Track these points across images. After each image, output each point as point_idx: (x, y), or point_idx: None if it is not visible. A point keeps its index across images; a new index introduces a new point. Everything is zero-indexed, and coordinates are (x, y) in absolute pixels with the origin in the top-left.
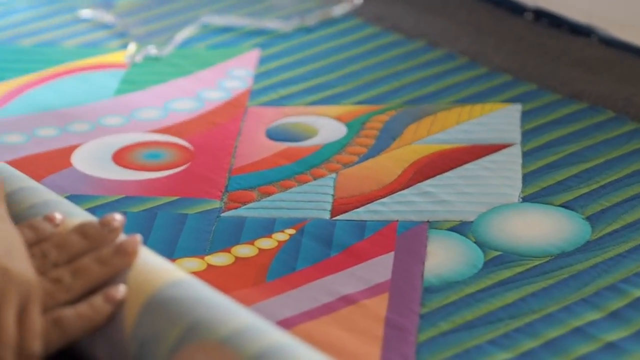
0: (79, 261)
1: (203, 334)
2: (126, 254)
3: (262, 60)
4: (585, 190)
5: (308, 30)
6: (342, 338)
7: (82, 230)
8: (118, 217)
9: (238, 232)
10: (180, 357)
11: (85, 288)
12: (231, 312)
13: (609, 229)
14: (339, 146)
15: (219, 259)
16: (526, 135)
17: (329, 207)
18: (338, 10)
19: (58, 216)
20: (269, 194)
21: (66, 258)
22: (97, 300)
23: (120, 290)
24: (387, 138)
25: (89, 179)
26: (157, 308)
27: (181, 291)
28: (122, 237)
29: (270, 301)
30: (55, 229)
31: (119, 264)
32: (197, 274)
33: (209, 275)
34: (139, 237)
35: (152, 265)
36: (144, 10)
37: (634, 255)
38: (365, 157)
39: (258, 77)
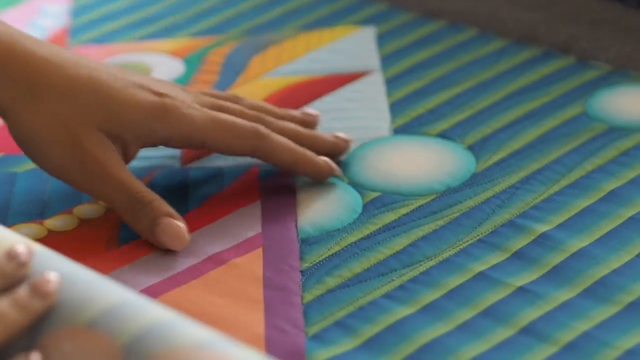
0: None
1: (66, 318)
2: (46, 296)
3: None
4: (461, 117)
5: None
6: (218, 305)
7: None
8: (23, 250)
9: None
10: (41, 348)
11: (2, 338)
12: (96, 288)
13: (495, 159)
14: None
15: (60, 223)
16: (385, 60)
17: (177, 153)
18: None
19: None
20: None
21: None
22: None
23: (52, 279)
24: (230, 73)
25: None
26: None
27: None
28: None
29: (126, 268)
30: None
31: (39, 308)
32: (37, 242)
33: (51, 243)
34: (54, 276)
35: None
36: None
37: (527, 185)
38: None
39: (76, 12)
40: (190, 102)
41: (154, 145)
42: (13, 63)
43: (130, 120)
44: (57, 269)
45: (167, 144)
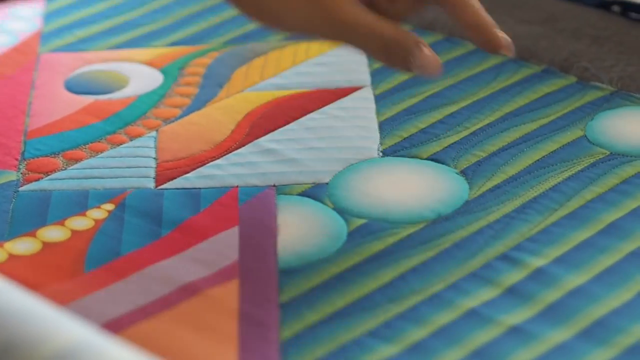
0: None
1: (20, 356)
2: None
3: None
4: (455, 138)
5: None
6: (188, 340)
7: None
8: None
9: (43, 210)
10: None
11: None
12: (52, 325)
13: (489, 185)
14: (156, 97)
15: (23, 246)
16: (376, 75)
17: (152, 173)
18: None
19: None
20: (77, 160)
21: None
22: None
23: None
24: (212, 86)
25: None
26: None
27: None
28: None
29: (92, 296)
30: None
31: None
32: None
33: (12, 267)
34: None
35: None
36: None
37: (522, 215)
38: (189, 110)
39: (49, 16)
40: None
41: None
42: None
43: None
44: (10, 303)
45: None
